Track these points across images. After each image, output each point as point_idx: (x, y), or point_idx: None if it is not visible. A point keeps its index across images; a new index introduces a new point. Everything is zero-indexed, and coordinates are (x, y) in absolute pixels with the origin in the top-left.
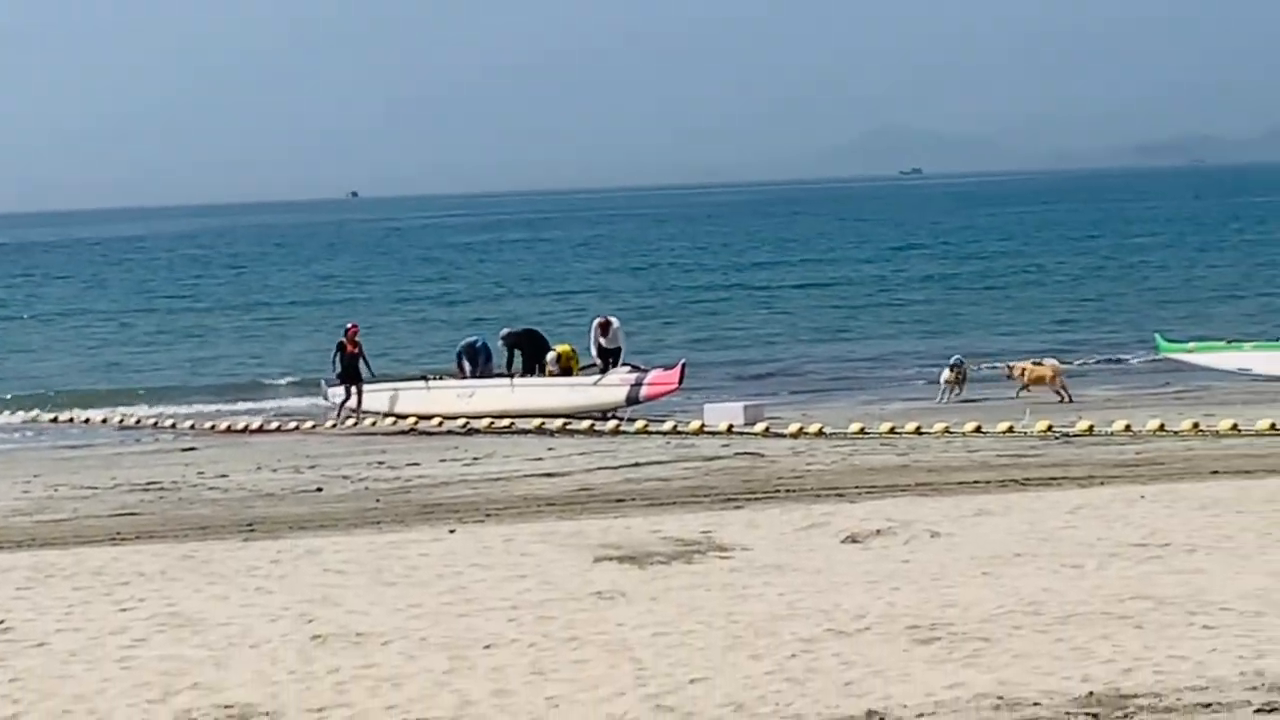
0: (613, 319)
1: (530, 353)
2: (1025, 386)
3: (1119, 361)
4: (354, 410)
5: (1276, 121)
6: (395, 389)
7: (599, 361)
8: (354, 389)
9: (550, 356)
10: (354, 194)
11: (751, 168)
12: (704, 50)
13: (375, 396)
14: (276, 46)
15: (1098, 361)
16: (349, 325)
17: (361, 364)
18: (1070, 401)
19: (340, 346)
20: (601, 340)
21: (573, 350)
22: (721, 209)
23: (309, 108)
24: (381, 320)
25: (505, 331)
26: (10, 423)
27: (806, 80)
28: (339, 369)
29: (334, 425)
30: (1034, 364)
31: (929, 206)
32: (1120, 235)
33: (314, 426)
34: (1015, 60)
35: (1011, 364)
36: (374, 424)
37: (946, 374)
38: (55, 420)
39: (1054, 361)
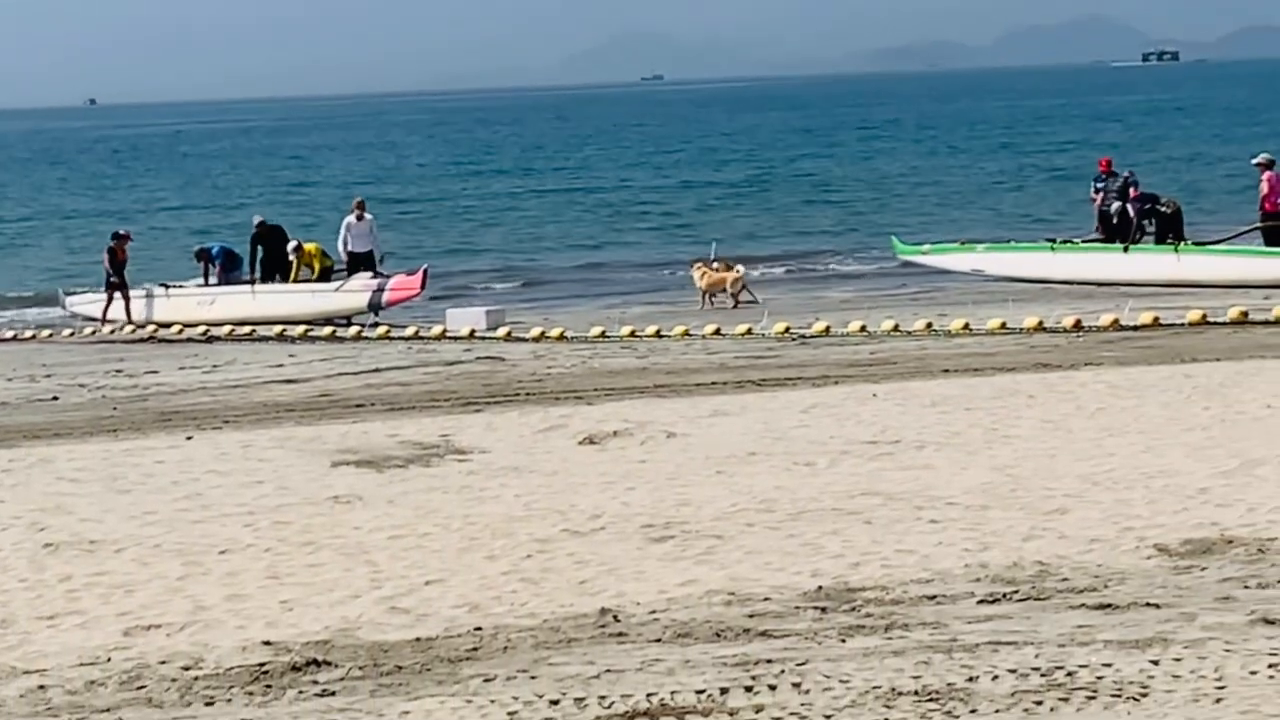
0: (367, 214)
1: (272, 247)
2: (706, 293)
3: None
4: (125, 318)
5: (1006, 29)
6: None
7: (345, 264)
8: (123, 295)
9: (291, 245)
10: (92, 101)
11: (490, 76)
12: None
13: (114, 305)
14: None
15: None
16: (122, 231)
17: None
18: (736, 308)
19: (112, 252)
20: (349, 238)
21: (318, 249)
22: (458, 115)
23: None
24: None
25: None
26: None
27: None
28: (112, 275)
29: (112, 331)
30: (713, 268)
31: (672, 113)
32: (861, 139)
33: (50, 335)
34: None
35: (697, 265)
36: (111, 332)
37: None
38: None
39: (740, 268)
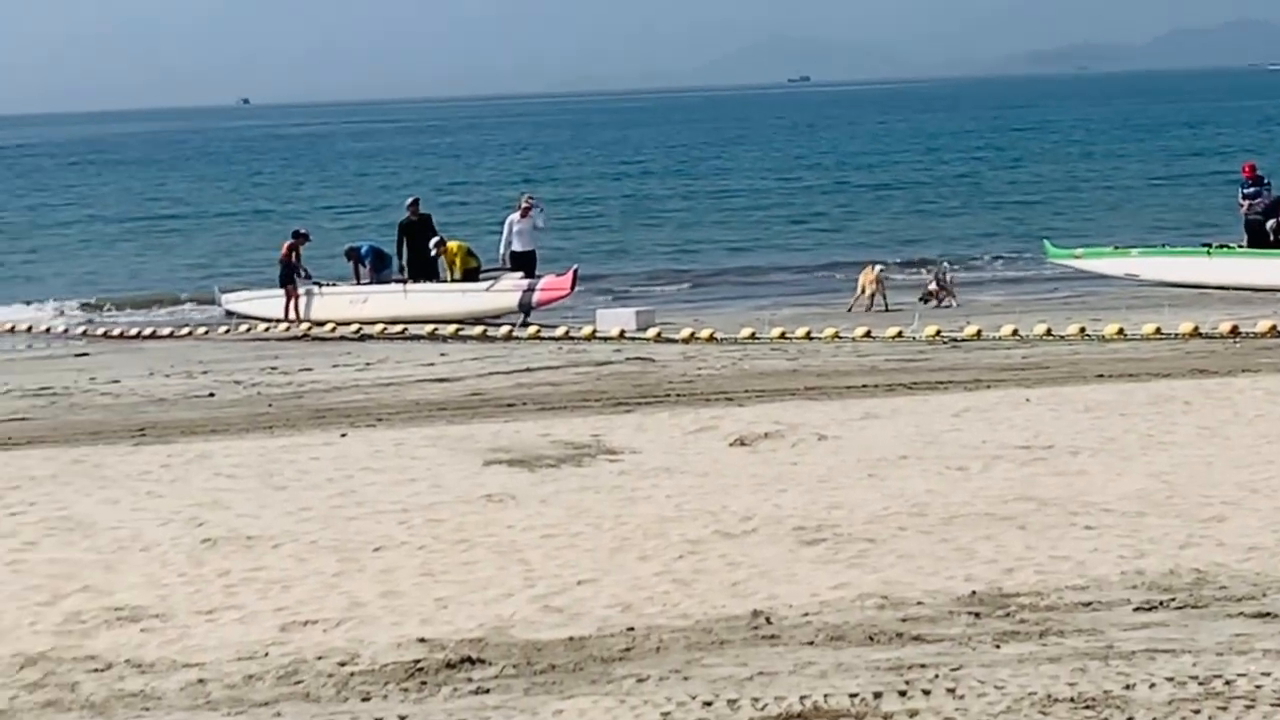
0: (536, 208)
1: (419, 238)
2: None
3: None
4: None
5: (1159, 31)
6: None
7: (506, 264)
8: (289, 293)
9: (433, 241)
10: (245, 100)
11: (635, 78)
12: None
13: (268, 303)
14: None
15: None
16: (302, 230)
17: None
18: (871, 311)
19: (290, 249)
20: (512, 237)
21: (461, 248)
22: (605, 116)
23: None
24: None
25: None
26: None
27: None
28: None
29: (288, 328)
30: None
31: (820, 114)
32: (1014, 142)
33: (207, 332)
34: None
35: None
36: (266, 330)
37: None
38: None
39: (879, 268)
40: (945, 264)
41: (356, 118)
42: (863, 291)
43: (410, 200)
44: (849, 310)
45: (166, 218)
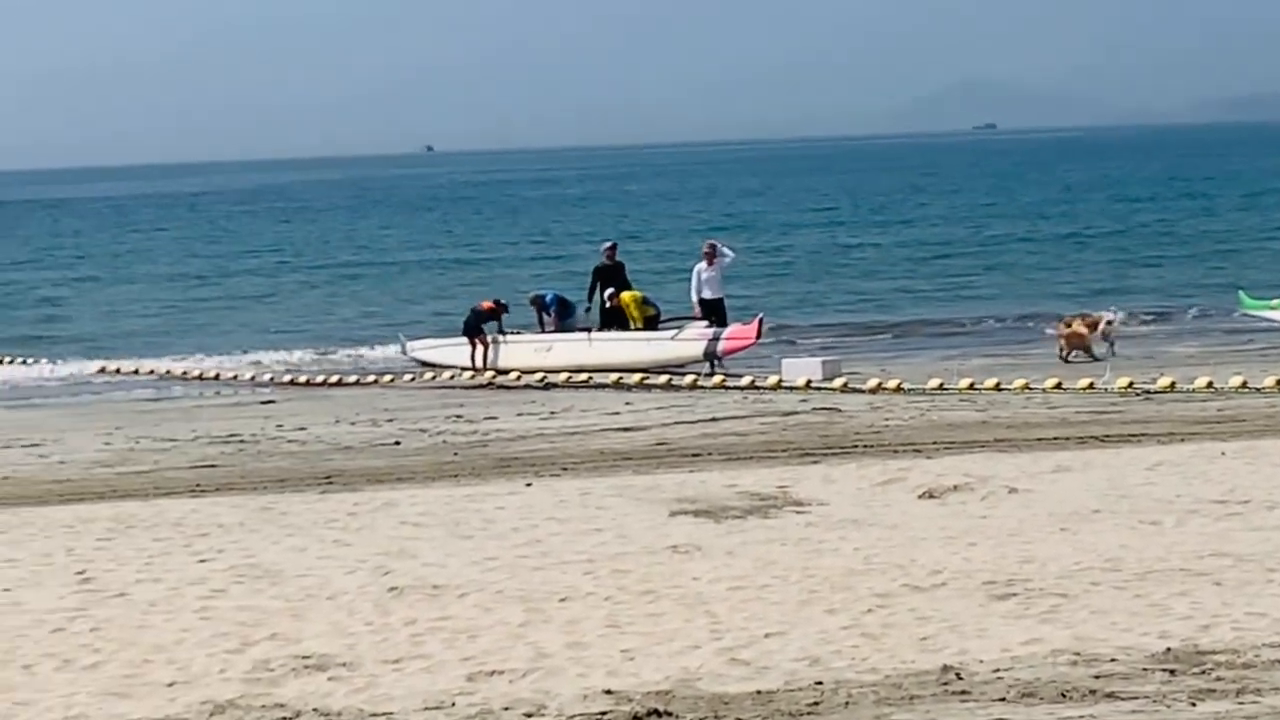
0: (723, 251)
1: (612, 286)
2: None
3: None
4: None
5: None
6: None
7: (697, 311)
8: (480, 343)
9: (608, 293)
10: (429, 148)
11: (822, 123)
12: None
13: (452, 351)
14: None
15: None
16: (502, 301)
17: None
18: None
19: (490, 310)
20: (700, 284)
21: (635, 298)
22: (792, 163)
23: (360, 59)
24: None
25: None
26: (85, 372)
27: (880, 34)
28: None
29: (473, 376)
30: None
31: (1007, 161)
32: (1206, 190)
33: (393, 380)
34: (1096, 9)
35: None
36: (451, 378)
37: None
38: (136, 372)
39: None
40: (1110, 312)
41: (540, 165)
42: (1072, 340)
43: (607, 245)
44: (1064, 358)
45: (352, 264)
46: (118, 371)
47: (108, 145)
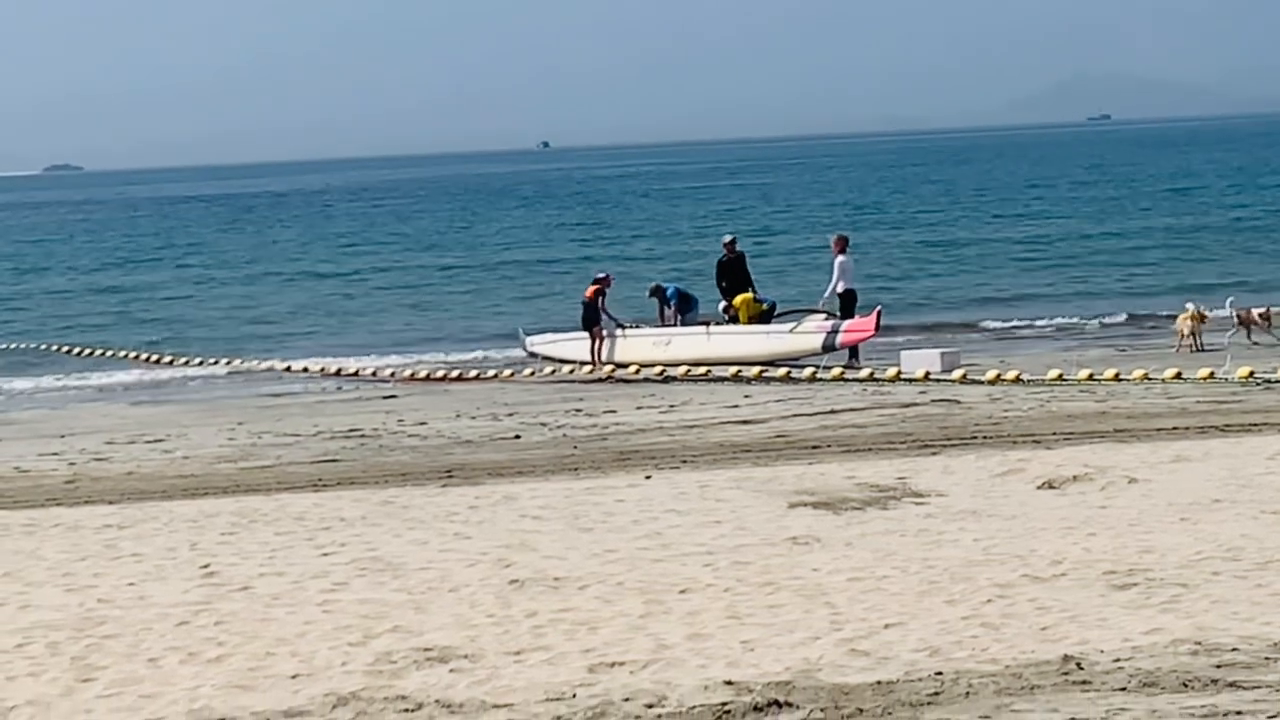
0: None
1: (734, 277)
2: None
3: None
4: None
5: None
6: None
7: (832, 303)
8: (593, 336)
9: (721, 307)
10: (545, 144)
11: (939, 118)
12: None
13: (571, 345)
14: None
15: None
16: (601, 275)
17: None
18: (1195, 352)
19: (598, 293)
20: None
21: (747, 299)
22: (909, 156)
23: (473, 59)
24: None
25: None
26: (215, 372)
27: (1002, 24)
28: (593, 315)
29: (592, 370)
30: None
31: (1132, 152)
32: None
33: (512, 375)
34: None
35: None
36: (571, 372)
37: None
38: (261, 369)
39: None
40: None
41: (656, 159)
42: (1183, 334)
43: (728, 239)
44: (1176, 352)
45: (462, 266)
46: (244, 366)
47: (221, 143)
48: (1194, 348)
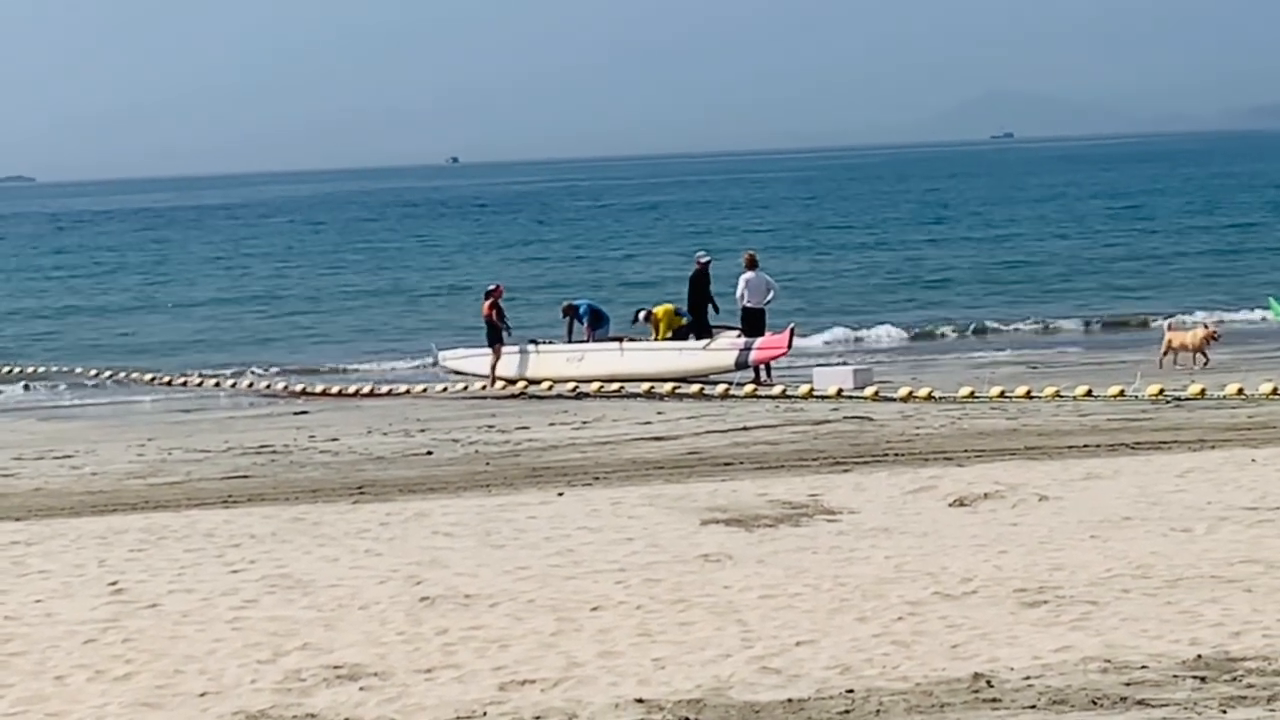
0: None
1: (695, 296)
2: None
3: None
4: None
5: None
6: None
7: (739, 326)
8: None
9: (641, 315)
10: (454, 159)
11: (853, 135)
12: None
13: (483, 360)
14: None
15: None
16: (492, 286)
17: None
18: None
19: (493, 306)
20: (746, 292)
21: (667, 311)
22: (830, 173)
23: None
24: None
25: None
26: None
27: (907, 46)
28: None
29: (484, 387)
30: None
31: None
32: (1228, 194)
33: (424, 390)
34: (1126, 21)
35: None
36: (483, 388)
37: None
38: (169, 383)
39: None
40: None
41: (570, 176)
42: (1177, 349)
43: (699, 255)
44: (1159, 366)
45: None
46: (151, 381)
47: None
48: (1204, 363)
